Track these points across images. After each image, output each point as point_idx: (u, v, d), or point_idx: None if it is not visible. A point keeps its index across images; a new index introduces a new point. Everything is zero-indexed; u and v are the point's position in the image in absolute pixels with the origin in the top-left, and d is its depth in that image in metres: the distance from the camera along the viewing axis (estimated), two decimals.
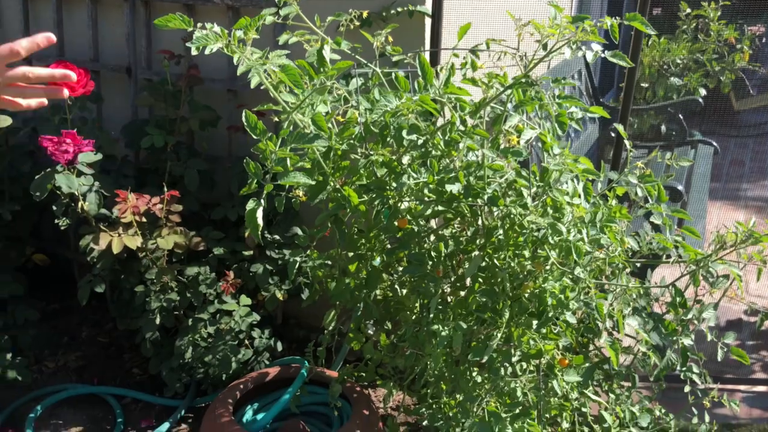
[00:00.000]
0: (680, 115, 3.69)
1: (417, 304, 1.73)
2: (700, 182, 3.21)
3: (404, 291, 1.77)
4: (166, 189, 1.90)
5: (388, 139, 1.42)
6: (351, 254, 1.81)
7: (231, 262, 2.07)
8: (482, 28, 1.99)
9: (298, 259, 1.66)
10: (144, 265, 1.94)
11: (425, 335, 1.51)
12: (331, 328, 1.93)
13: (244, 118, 1.21)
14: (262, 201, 1.17)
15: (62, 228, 1.87)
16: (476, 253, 1.45)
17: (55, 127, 1.86)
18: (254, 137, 1.24)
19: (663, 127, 3.86)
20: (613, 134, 3.52)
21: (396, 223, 1.50)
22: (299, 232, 2.11)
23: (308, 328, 2.45)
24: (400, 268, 1.71)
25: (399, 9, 1.94)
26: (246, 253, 2.08)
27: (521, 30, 1.61)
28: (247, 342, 2.05)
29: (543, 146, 1.48)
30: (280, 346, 2.15)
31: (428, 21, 1.99)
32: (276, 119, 1.38)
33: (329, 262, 1.86)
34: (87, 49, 2.49)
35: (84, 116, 1.97)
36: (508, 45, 1.66)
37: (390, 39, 1.66)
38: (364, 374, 1.96)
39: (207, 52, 1.19)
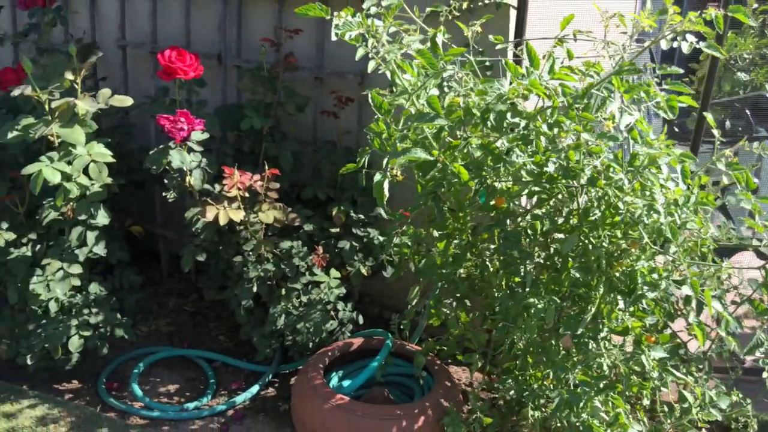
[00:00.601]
0: (747, 111, 3.68)
1: (504, 282, 1.82)
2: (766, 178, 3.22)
3: (490, 269, 1.87)
4: (267, 167, 2.04)
5: (488, 122, 1.52)
6: (439, 233, 1.92)
7: (319, 238, 2.20)
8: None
9: (393, 237, 1.76)
10: (243, 237, 2.08)
11: (518, 309, 1.60)
12: (414, 303, 2.05)
13: (370, 99, 1.32)
14: (388, 173, 1.28)
15: (170, 200, 2.02)
16: (570, 232, 1.54)
17: (165, 107, 2.01)
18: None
19: (728, 123, 3.85)
20: (677, 129, 3.55)
21: (493, 203, 1.59)
22: (382, 212, 2.22)
23: (382, 306, 2.58)
24: (492, 247, 1.80)
25: (486, 1, 2.02)
26: (333, 230, 2.20)
27: (607, 22, 1.70)
28: (332, 313, 2.18)
29: (630, 133, 1.56)
30: (361, 320, 2.27)
31: (512, 12, 2.07)
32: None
33: (409, 241, 1.98)
34: (180, 37, 2.64)
35: (189, 99, 2.12)
36: (594, 36, 1.75)
37: (479, 30, 1.76)
38: (445, 348, 2.07)
39: (346, 38, 1.29)
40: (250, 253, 2.10)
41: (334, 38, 1.33)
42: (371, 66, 1.47)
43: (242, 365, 2.34)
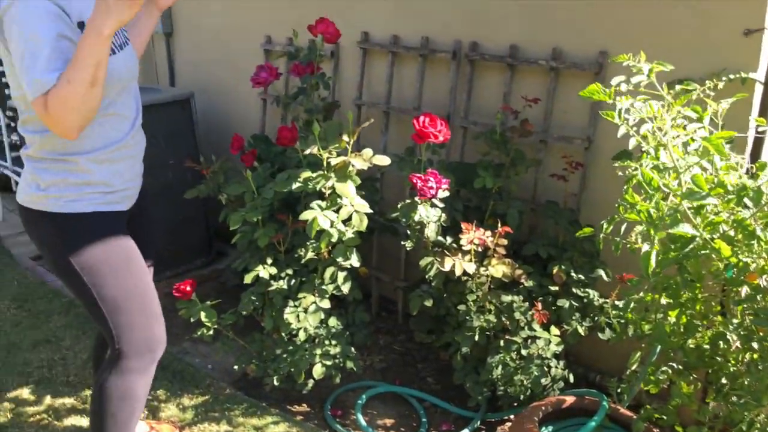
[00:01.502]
0: None
1: (742, 356, 1.80)
2: None
3: (730, 342, 1.85)
4: (492, 221, 2.20)
5: (744, 200, 1.55)
6: (671, 301, 1.94)
7: (538, 294, 2.30)
8: None
9: (630, 303, 1.82)
10: (468, 287, 2.24)
11: (763, 386, 1.58)
12: (634, 368, 2.07)
13: (640, 176, 1.42)
14: (656, 245, 1.37)
15: (408, 249, 2.25)
16: None
17: (412, 166, 2.25)
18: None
19: None
20: None
21: (744, 278, 1.61)
22: (603, 274, 2.29)
23: (587, 366, 2.60)
24: (734, 321, 1.80)
25: (731, 76, 2.05)
26: (552, 288, 2.29)
27: None
28: (545, 369, 2.25)
29: None
30: (572, 378, 2.32)
31: (758, 88, 2.07)
32: None
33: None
34: (412, 99, 2.93)
35: (430, 158, 2.36)
36: None
37: (726, 107, 1.79)
38: (665, 417, 2.06)
39: (621, 133, 1.41)
40: (474, 303, 2.25)
41: (622, 127, 1.45)
42: (632, 143, 1.58)
43: (452, 409, 2.48)
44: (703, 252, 1.55)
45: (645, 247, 1.36)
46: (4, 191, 4.66)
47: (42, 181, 1.68)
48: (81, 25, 1.56)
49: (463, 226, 2.13)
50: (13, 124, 4.38)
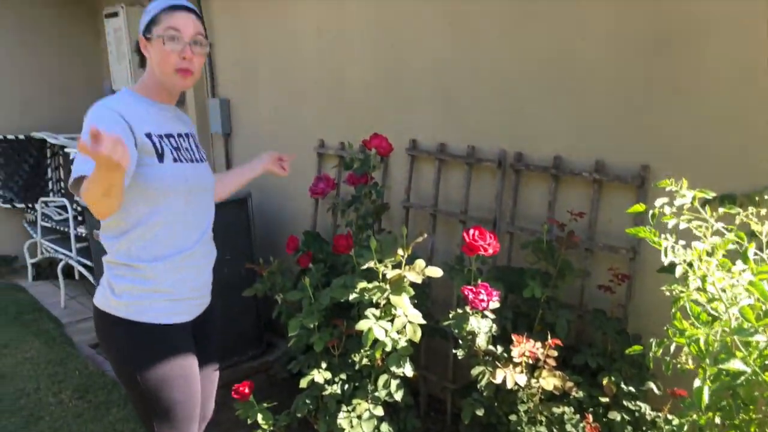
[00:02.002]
0: None
1: None
2: None
3: None
4: (540, 330, 2.25)
5: None
6: (725, 421, 1.94)
7: (588, 405, 2.32)
8: None
9: (684, 425, 1.83)
10: (519, 398, 2.27)
11: None
12: None
13: (688, 309, 1.48)
14: (707, 381, 1.41)
15: (460, 358, 2.30)
16: None
17: (462, 276, 2.34)
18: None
19: None
20: None
21: None
22: (653, 387, 2.29)
23: None
24: None
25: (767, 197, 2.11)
26: (602, 399, 2.31)
27: None
28: None
29: None
30: None
31: None
32: None
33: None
34: (458, 202, 3.05)
35: (480, 268, 2.45)
36: None
37: None
38: None
39: (666, 261, 1.49)
40: (525, 414, 2.28)
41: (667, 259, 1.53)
42: (678, 271, 1.64)
43: None
44: (757, 382, 1.58)
45: (697, 382, 1.40)
46: (68, 278, 4.90)
47: (116, 287, 1.82)
48: (149, 135, 1.75)
49: (514, 338, 2.19)
50: (80, 218, 4.66)
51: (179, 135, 1.89)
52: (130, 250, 1.79)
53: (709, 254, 1.50)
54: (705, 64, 2.21)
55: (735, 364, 1.42)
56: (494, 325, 2.25)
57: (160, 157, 1.75)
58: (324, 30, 3.60)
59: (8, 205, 5.54)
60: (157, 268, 1.81)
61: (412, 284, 2.24)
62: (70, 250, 4.63)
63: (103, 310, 1.85)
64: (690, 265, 1.65)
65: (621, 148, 2.48)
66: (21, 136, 5.54)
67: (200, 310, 2.00)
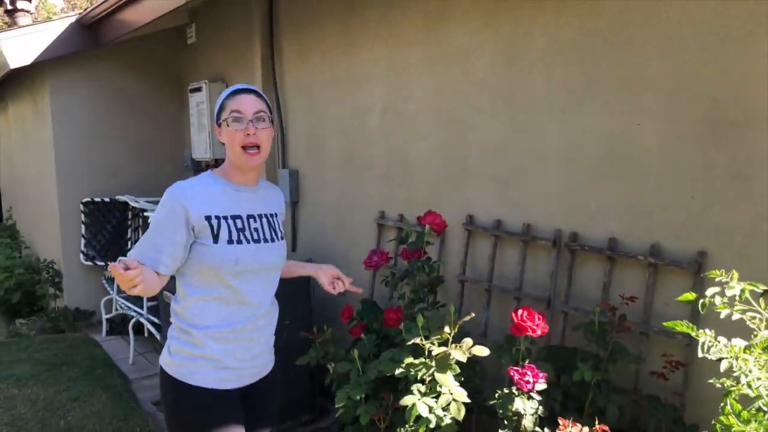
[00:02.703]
0: None
1: None
2: None
3: None
4: (597, 422, 2.20)
5: None
6: None
7: None
8: None
9: None
10: None
11: None
12: None
13: (729, 406, 1.44)
14: None
15: None
16: None
17: (511, 356, 2.35)
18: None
19: None
20: None
21: None
22: None
23: None
24: None
25: None
26: None
27: None
28: None
29: None
30: None
31: None
32: None
33: None
34: (513, 278, 3.07)
35: (529, 347, 2.44)
36: None
37: None
38: None
39: (714, 356, 1.47)
40: None
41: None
42: (724, 366, 1.61)
43: None
44: None
45: None
46: (138, 334, 5.14)
47: (172, 347, 1.97)
48: (209, 218, 1.89)
49: (560, 421, 2.15)
50: None
51: (250, 216, 2.00)
52: (186, 315, 1.93)
53: (747, 350, 1.47)
54: (763, 150, 2.20)
55: None
56: (541, 407, 2.22)
57: (215, 238, 1.89)
58: (389, 108, 3.78)
59: (90, 263, 5.92)
60: (207, 336, 1.93)
61: (459, 362, 2.26)
62: (141, 308, 4.88)
63: (162, 367, 1.99)
64: (737, 359, 1.61)
65: (677, 232, 2.46)
66: (107, 199, 5.97)
67: (253, 379, 2.09)
